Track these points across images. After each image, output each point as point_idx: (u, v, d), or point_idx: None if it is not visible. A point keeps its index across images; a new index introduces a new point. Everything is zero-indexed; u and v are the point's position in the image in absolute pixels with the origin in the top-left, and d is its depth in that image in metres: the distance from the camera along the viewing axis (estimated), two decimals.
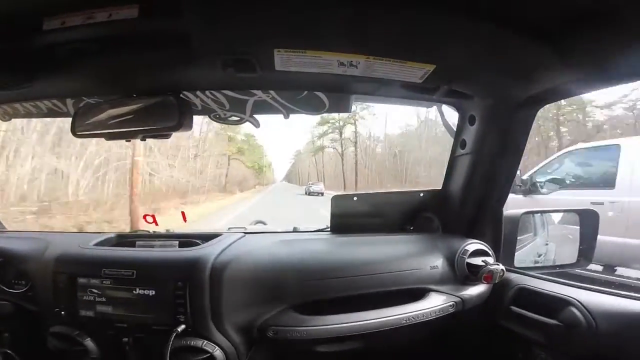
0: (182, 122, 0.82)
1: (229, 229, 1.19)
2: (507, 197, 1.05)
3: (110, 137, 0.89)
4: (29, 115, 1.07)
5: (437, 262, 1.00)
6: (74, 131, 0.89)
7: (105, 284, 0.88)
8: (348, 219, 1.15)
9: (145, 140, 0.88)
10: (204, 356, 0.84)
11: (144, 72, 0.84)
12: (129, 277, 0.86)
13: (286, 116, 1.06)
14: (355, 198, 1.15)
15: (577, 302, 0.87)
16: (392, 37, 0.69)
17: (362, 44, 0.71)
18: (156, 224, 1.24)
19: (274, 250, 0.98)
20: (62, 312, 0.90)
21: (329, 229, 1.18)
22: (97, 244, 0.99)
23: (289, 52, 0.72)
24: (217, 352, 0.85)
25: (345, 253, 1.03)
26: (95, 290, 0.88)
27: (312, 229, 1.23)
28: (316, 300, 0.93)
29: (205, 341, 0.85)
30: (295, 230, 1.25)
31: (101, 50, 0.71)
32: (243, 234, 1.07)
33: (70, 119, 1.02)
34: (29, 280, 1.00)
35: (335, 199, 1.16)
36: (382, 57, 0.74)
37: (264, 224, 1.47)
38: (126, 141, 0.90)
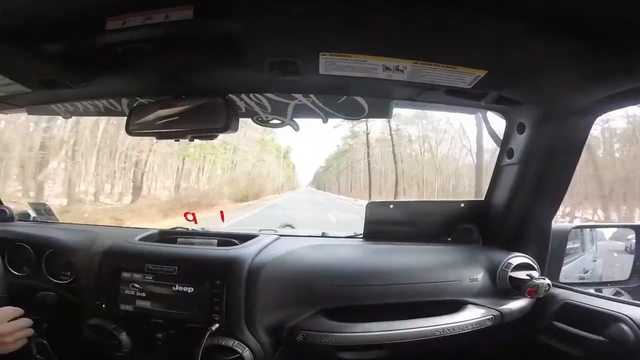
0: (230, 124, 0.85)
1: (260, 230, 1.20)
2: (557, 210, 0.99)
3: (160, 136, 0.93)
4: (87, 113, 1.15)
5: (476, 275, 0.96)
6: (129, 130, 0.95)
7: (147, 279, 0.90)
8: (382, 227, 1.13)
9: (193, 140, 0.92)
10: (234, 356, 0.85)
11: (194, 73, 0.87)
12: (171, 273, 0.89)
13: (325, 120, 1.07)
14: (391, 206, 1.13)
15: (628, 318, 0.83)
16: (442, 42, 0.68)
17: (410, 48, 0.70)
18: (195, 222, 1.27)
19: (308, 254, 0.98)
20: (103, 305, 0.92)
21: (361, 236, 1.17)
22: (141, 239, 1.03)
23: (334, 56, 0.73)
24: (246, 353, 0.85)
25: (379, 260, 1.01)
26: (137, 285, 0.91)
27: (343, 235, 1.23)
28: (347, 306, 0.92)
29: (236, 341, 0.85)
30: (327, 236, 1.24)
31: (156, 50, 0.74)
32: (278, 236, 1.09)
33: (123, 118, 1.10)
34: (74, 272, 1.03)
35: (370, 206, 1.15)
36: (430, 62, 0.72)
37: (292, 227, 1.48)
38: (175, 141, 0.94)
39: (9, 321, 0.77)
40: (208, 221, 1.31)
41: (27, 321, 0.81)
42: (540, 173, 0.94)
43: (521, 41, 0.65)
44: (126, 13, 0.66)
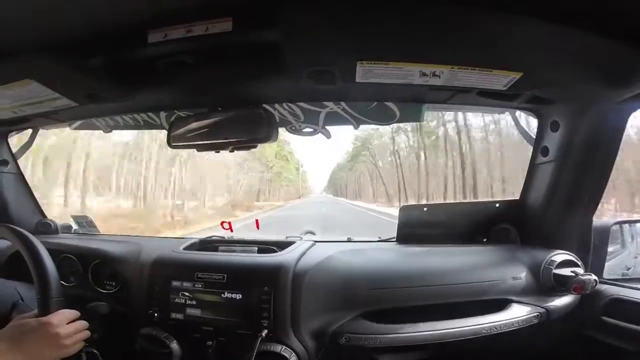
0: (271, 133, 0.87)
1: (287, 237, 1.21)
2: (597, 206, 0.98)
3: (201, 148, 0.97)
4: (127, 127, 1.19)
5: (519, 273, 0.95)
6: (169, 143, 0.98)
7: (197, 287, 0.91)
8: (416, 230, 1.14)
9: (233, 151, 0.95)
10: None
11: (231, 84, 0.90)
12: (220, 280, 0.90)
13: (356, 127, 1.09)
14: (425, 208, 1.13)
15: None
16: (479, 46, 0.69)
17: (447, 53, 0.72)
18: (231, 230, 1.30)
19: (347, 259, 0.99)
20: (155, 315, 0.93)
21: (394, 239, 1.18)
22: (186, 248, 1.05)
23: (371, 64, 0.74)
24: (293, 358, 0.86)
25: (417, 262, 1.01)
26: (187, 294, 0.92)
27: (375, 239, 1.23)
28: (388, 309, 0.92)
29: (284, 347, 0.86)
30: (358, 240, 1.25)
31: (196, 63, 0.77)
32: (313, 242, 1.10)
33: (161, 131, 1.14)
34: (119, 282, 1.04)
35: (404, 209, 1.15)
36: (467, 67, 0.74)
37: (314, 233, 1.48)
38: (215, 152, 0.97)
39: (67, 324, 0.77)
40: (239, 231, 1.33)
41: (84, 323, 0.81)
42: (578, 169, 0.94)
43: (556, 41, 0.66)
44: (167, 26, 0.69)
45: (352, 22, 0.63)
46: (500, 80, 0.78)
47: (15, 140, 1.30)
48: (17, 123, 1.11)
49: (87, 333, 0.81)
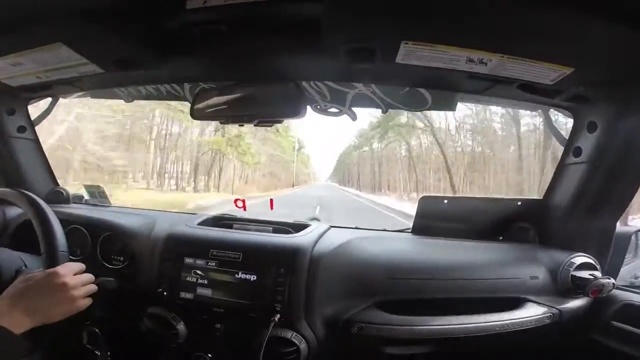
0: (300, 109, 0.84)
1: (294, 221, 1.17)
2: (623, 212, 0.97)
3: (226, 120, 0.93)
4: (149, 97, 1.15)
5: (537, 273, 0.95)
6: (193, 114, 0.95)
7: (210, 265, 0.88)
8: (433, 222, 1.12)
9: (258, 125, 0.91)
10: (291, 349, 0.83)
11: (264, 57, 0.86)
12: (236, 259, 0.87)
13: (384, 110, 1.06)
14: (445, 201, 1.11)
15: None
16: (534, 36, 0.66)
17: (499, 41, 0.69)
18: (245, 209, 1.28)
19: (364, 246, 0.98)
20: (165, 293, 0.89)
21: (409, 230, 1.16)
22: (200, 223, 1.02)
23: (417, 45, 0.71)
24: (303, 345, 0.84)
25: (433, 255, 1.00)
26: (199, 272, 0.88)
27: (389, 229, 1.22)
28: (402, 300, 0.91)
29: (294, 333, 0.84)
30: (374, 229, 1.23)
31: (232, 33, 0.73)
32: (328, 226, 1.08)
33: (184, 103, 1.10)
34: (128, 257, 1.00)
35: (423, 200, 1.13)
36: (517, 57, 0.70)
37: (318, 220, 1.47)
38: (239, 125, 0.94)
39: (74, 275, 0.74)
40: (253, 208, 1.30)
41: (91, 277, 0.77)
42: (609, 173, 0.92)
43: (609, 40, 0.63)
44: None
45: (402, 0, 0.59)
46: (549, 74, 0.75)
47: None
48: (39, 90, 1.07)
49: (95, 287, 0.78)
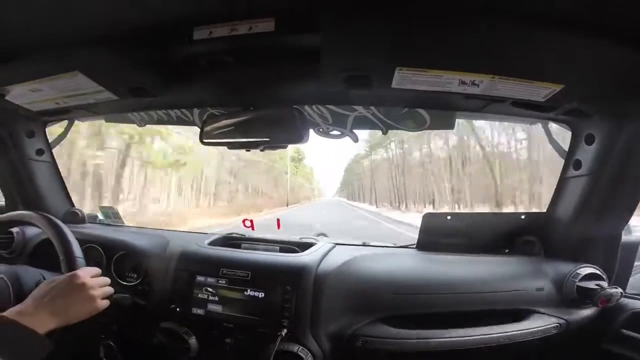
0: (302, 134, 0.87)
1: (300, 238, 1.21)
2: (627, 222, 0.97)
3: (232, 146, 0.98)
4: (160, 122, 1.22)
5: (542, 285, 0.96)
6: (202, 139, 0.99)
7: (220, 283, 0.93)
8: (438, 238, 1.13)
9: (264, 150, 0.95)
10: None
11: (268, 84, 0.91)
12: (244, 278, 0.91)
13: (385, 132, 1.09)
14: (448, 217, 1.13)
15: None
16: (521, 57, 0.69)
17: (489, 63, 0.72)
18: (253, 229, 1.31)
19: (368, 263, 1.00)
20: (178, 309, 0.94)
21: (413, 246, 1.18)
22: (210, 243, 1.06)
23: (410, 70, 0.74)
24: (309, 359, 0.87)
25: (439, 270, 1.01)
26: (210, 289, 0.93)
27: (393, 245, 1.23)
28: (407, 314, 0.93)
29: (300, 347, 0.86)
30: (379, 245, 1.24)
31: (237, 62, 0.78)
32: (333, 244, 1.11)
33: (194, 127, 1.15)
34: (142, 275, 1.05)
35: (427, 217, 1.15)
36: (508, 77, 0.73)
37: (326, 236, 1.49)
38: (246, 151, 0.99)
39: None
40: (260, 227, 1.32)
41: (106, 279, 0.82)
42: (611, 185, 0.92)
43: (597, 56, 0.66)
44: (213, 24, 0.70)
45: (394, 30, 0.63)
46: (540, 91, 0.77)
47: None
48: (57, 114, 1.14)
49: (111, 289, 0.82)
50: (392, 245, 1.23)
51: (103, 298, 0.78)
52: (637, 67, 0.67)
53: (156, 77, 0.85)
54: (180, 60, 0.80)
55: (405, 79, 0.77)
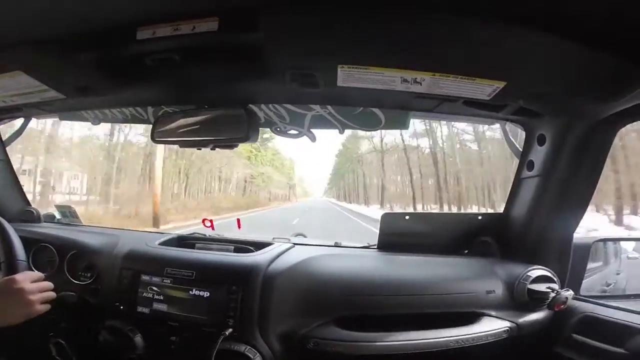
0: (250, 134, 0.87)
1: (273, 239, 1.20)
2: (579, 223, 0.97)
3: (183, 144, 0.97)
4: (115, 120, 1.20)
5: (494, 287, 0.95)
6: (153, 137, 0.98)
7: (165, 282, 0.92)
8: (397, 238, 1.13)
9: (214, 149, 0.94)
10: None
11: (217, 83, 0.90)
12: (189, 277, 0.91)
13: (341, 131, 1.08)
14: (407, 217, 1.12)
15: None
16: (460, 53, 0.68)
17: (428, 60, 0.71)
18: (213, 228, 1.30)
19: (322, 263, 0.99)
20: (122, 307, 0.94)
21: (374, 246, 1.17)
22: (161, 244, 1.05)
23: (351, 68, 0.74)
24: (258, 358, 0.85)
25: (393, 271, 1.01)
26: (155, 288, 0.93)
27: (357, 245, 1.23)
28: (361, 316, 0.92)
29: (248, 347, 0.85)
30: (340, 245, 1.24)
31: (183, 61, 0.76)
32: (292, 244, 1.09)
33: (147, 126, 1.14)
34: (94, 273, 1.04)
35: (385, 217, 1.14)
36: (449, 74, 0.73)
37: (304, 236, 1.46)
38: (197, 149, 0.97)
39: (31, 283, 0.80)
40: (223, 227, 1.31)
41: (49, 284, 0.83)
42: (562, 185, 0.93)
43: (541, 52, 0.65)
44: (156, 23, 0.69)
45: (333, 26, 0.63)
46: (484, 89, 0.77)
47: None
48: (8, 112, 1.12)
49: (53, 294, 0.83)
50: (358, 245, 1.23)
51: (44, 302, 0.80)
52: (585, 65, 0.67)
53: (102, 76, 0.84)
54: (126, 60, 0.79)
55: (348, 76, 0.77)
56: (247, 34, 0.69)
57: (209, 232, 1.26)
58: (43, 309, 0.79)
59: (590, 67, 0.67)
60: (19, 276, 0.78)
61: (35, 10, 0.64)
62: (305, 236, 1.44)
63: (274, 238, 1.22)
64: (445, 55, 0.69)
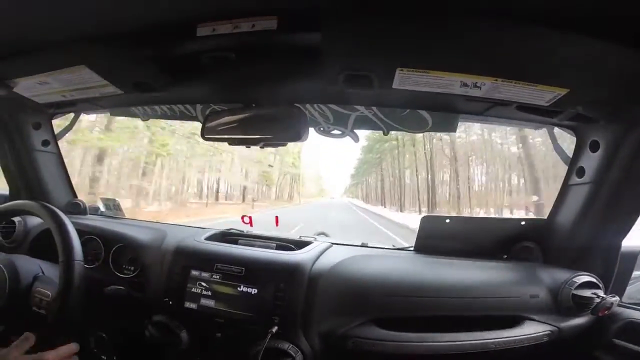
0: (302, 133, 0.87)
1: (300, 237, 1.21)
2: (629, 231, 0.95)
3: (233, 142, 0.98)
4: (164, 116, 1.22)
5: (537, 292, 0.95)
6: (203, 135, 0.99)
7: (214, 278, 0.93)
8: (435, 241, 1.13)
9: (264, 147, 0.95)
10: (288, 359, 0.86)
11: (266, 82, 0.91)
12: (238, 273, 0.92)
13: (386, 132, 1.09)
14: (447, 220, 1.12)
15: None
16: (525, 60, 0.68)
17: (491, 65, 0.70)
18: (251, 225, 1.32)
19: (363, 264, 0.99)
20: (170, 302, 0.94)
21: (411, 248, 1.17)
22: (207, 238, 1.07)
23: (411, 72, 0.74)
24: (299, 357, 0.87)
25: (433, 273, 1.01)
26: (204, 284, 0.93)
27: (391, 247, 1.23)
28: (400, 317, 0.92)
29: (291, 345, 0.86)
30: (372, 246, 1.23)
31: (239, 59, 0.78)
32: (330, 244, 1.10)
33: (196, 123, 1.16)
34: (138, 267, 1.05)
35: (425, 219, 1.14)
36: (511, 80, 0.72)
37: (327, 235, 1.47)
38: (246, 147, 0.99)
39: None
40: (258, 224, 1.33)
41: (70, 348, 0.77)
42: (614, 193, 0.91)
43: (604, 60, 0.64)
44: (216, 20, 0.70)
45: (395, 30, 0.63)
46: (544, 95, 0.76)
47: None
48: (64, 107, 1.15)
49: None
50: (391, 247, 1.23)
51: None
52: None
53: (160, 72, 0.85)
54: (184, 57, 0.80)
55: (406, 79, 0.77)
56: (306, 34, 0.69)
57: (247, 229, 1.27)
58: None
59: None
60: (49, 355, 0.72)
61: (101, 6, 0.66)
62: (327, 235, 1.43)
63: (300, 237, 1.21)
64: (510, 61, 0.68)
